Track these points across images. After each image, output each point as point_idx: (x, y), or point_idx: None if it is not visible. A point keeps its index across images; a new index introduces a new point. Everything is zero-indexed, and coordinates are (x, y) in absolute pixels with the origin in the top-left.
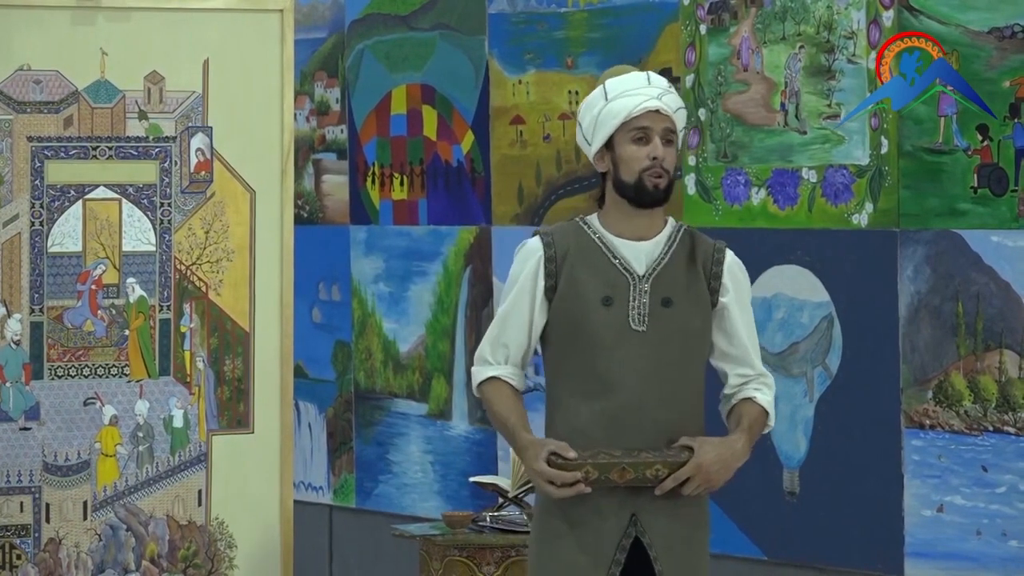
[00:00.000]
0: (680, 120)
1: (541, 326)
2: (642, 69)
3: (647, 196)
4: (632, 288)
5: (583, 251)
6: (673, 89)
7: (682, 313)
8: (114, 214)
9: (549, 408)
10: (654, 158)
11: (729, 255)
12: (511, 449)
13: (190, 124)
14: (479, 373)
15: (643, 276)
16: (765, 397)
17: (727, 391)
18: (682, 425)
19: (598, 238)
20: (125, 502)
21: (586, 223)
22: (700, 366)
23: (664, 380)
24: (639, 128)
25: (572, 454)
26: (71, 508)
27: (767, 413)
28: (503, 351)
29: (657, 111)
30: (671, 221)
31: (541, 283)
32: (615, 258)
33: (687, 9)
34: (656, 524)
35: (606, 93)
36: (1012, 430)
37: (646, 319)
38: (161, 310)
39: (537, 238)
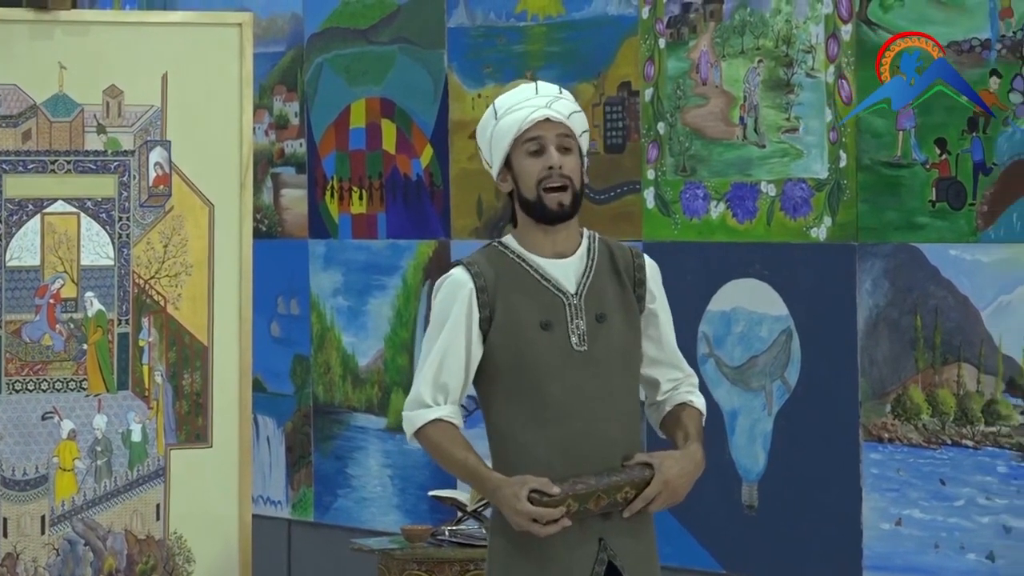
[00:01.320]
0: (577, 124)
1: (478, 360)
2: (601, 83)
3: (551, 214)
4: (568, 308)
5: (512, 277)
6: (566, 95)
7: (616, 326)
8: (72, 228)
9: (495, 441)
10: (550, 167)
11: (647, 260)
12: (471, 488)
13: (149, 138)
14: (418, 417)
15: (575, 294)
16: (700, 399)
17: (659, 397)
18: (632, 441)
19: (522, 261)
20: (83, 517)
21: (505, 246)
22: (637, 378)
23: (612, 397)
24: (532, 139)
25: (556, 490)
26: (29, 523)
27: (701, 414)
28: (442, 391)
29: (548, 119)
30: (586, 232)
31: (476, 315)
32: (545, 280)
33: (646, 23)
34: (623, 544)
35: (496, 112)
36: (970, 443)
37: (585, 338)
38: (119, 324)
39: (462, 269)
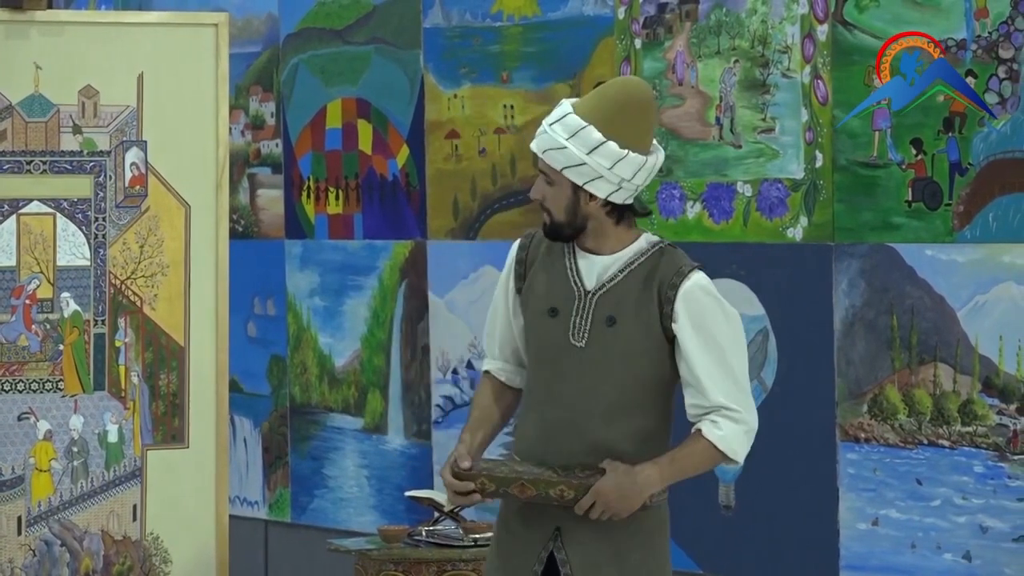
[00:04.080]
0: (558, 161)
1: (520, 325)
2: (577, 84)
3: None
4: (577, 302)
5: (552, 258)
6: (561, 126)
7: (626, 333)
8: (48, 228)
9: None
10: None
11: (689, 281)
12: None
13: (124, 138)
14: (483, 365)
15: (591, 292)
16: (717, 431)
17: (688, 419)
18: (624, 446)
19: (569, 247)
20: (60, 517)
21: None
22: (653, 388)
23: (600, 396)
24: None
25: (466, 464)
26: (5, 523)
27: (714, 447)
28: (494, 344)
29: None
30: (646, 237)
31: (512, 284)
32: (571, 269)
33: (622, 23)
34: (578, 540)
35: None
36: (946, 443)
37: (586, 335)
38: (96, 325)
39: (524, 236)
